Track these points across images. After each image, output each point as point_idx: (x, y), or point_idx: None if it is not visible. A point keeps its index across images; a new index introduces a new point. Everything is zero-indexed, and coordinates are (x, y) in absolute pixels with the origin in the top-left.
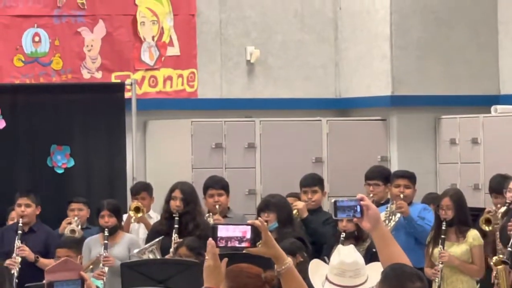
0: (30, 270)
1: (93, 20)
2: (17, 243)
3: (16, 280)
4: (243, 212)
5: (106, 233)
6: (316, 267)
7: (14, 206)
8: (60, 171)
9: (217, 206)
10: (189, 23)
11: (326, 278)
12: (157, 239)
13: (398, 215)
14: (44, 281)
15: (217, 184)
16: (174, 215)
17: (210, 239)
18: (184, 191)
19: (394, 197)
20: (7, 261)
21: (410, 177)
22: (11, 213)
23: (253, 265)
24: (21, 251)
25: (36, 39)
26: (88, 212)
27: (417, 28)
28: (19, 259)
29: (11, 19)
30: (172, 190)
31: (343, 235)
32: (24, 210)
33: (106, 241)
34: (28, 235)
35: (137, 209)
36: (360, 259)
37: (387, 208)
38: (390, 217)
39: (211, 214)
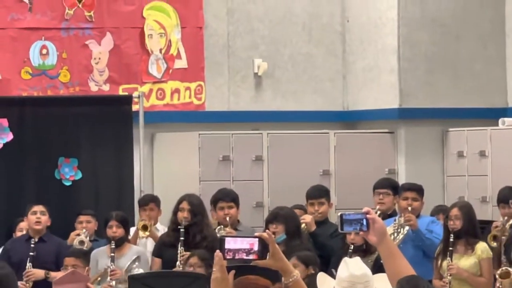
0: (42, 283)
1: (100, 32)
2: (28, 265)
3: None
4: (251, 225)
5: (113, 246)
6: (323, 281)
7: (22, 218)
8: (67, 183)
9: (227, 219)
10: (196, 35)
11: None
12: (134, 257)
13: (407, 228)
14: None
15: (227, 197)
16: (179, 227)
17: (218, 251)
18: (192, 203)
19: (402, 209)
20: (20, 284)
21: (418, 190)
22: (20, 224)
23: (261, 277)
24: (29, 275)
25: (44, 51)
26: (96, 225)
27: (425, 41)
28: (30, 285)
29: (18, 32)
30: (179, 201)
31: (351, 248)
32: (40, 217)
33: (113, 254)
34: (39, 245)
35: (144, 227)
36: (368, 271)
37: (395, 220)
38: (399, 230)
39: (222, 226)
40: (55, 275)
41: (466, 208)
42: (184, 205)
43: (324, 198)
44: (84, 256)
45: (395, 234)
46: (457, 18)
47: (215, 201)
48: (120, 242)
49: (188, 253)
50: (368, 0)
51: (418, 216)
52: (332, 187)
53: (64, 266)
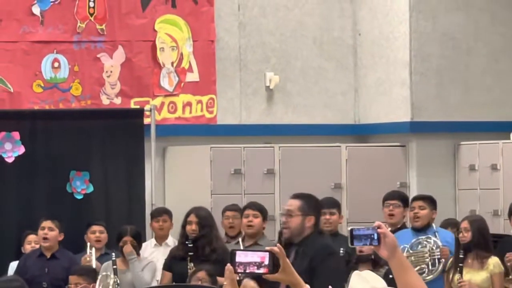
0: None
1: (112, 46)
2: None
3: None
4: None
5: (114, 265)
6: None
7: (29, 231)
8: (79, 196)
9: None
10: (208, 49)
11: None
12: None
13: (441, 266)
14: None
15: (254, 205)
16: (187, 242)
17: (229, 264)
18: (199, 216)
19: (411, 220)
20: None
21: (424, 199)
22: (28, 237)
23: None
24: None
25: (56, 64)
26: (106, 237)
27: (436, 54)
28: None
29: (30, 45)
30: (187, 215)
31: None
32: (47, 233)
33: (115, 266)
34: (50, 262)
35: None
36: (385, 284)
37: (423, 245)
38: (433, 266)
39: (244, 237)
40: None
41: (476, 221)
42: (192, 218)
43: (336, 209)
44: (88, 274)
45: (430, 266)
46: (468, 32)
47: (242, 210)
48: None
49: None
50: (380, 14)
51: (428, 225)
52: (344, 200)
53: (69, 285)
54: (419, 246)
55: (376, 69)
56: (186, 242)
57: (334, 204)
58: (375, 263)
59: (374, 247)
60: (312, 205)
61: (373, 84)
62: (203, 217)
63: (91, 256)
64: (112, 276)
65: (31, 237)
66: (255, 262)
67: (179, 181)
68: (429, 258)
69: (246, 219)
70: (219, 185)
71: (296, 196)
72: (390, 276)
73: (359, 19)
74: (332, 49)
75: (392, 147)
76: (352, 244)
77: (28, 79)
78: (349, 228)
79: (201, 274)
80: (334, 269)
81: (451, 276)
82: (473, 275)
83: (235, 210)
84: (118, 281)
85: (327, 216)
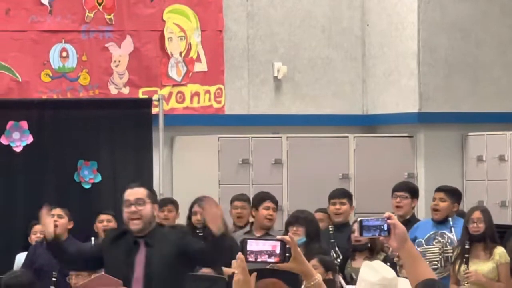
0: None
1: (120, 35)
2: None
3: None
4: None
5: None
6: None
7: (36, 221)
8: (87, 186)
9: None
10: (216, 39)
11: None
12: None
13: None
14: None
15: (272, 198)
16: (198, 231)
17: (240, 253)
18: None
19: (431, 211)
20: None
21: (446, 191)
22: (34, 227)
23: (281, 280)
24: None
25: (64, 54)
26: (115, 226)
27: (444, 45)
28: None
29: (39, 34)
30: (191, 206)
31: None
32: (56, 220)
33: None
34: None
35: None
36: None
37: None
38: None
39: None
40: None
41: (486, 212)
42: (196, 208)
43: (346, 199)
44: None
45: (442, 263)
46: (477, 23)
47: (260, 200)
48: None
49: None
50: (388, 4)
51: (446, 218)
52: (352, 191)
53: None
54: (434, 241)
55: (384, 59)
56: (197, 231)
57: (344, 194)
58: (371, 251)
59: (384, 238)
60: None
61: (381, 75)
62: None
63: None
64: None
65: (37, 227)
66: (266, 251)
67: (187, 171)
68: (442, 255)
69: (267, 211)
70: (227, 175)
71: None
72: (388, 264)
73: (367, 9)
74: (341, 39)
75: (400, 138)
76: (361, 234)
77: (36, 69)
78: (358, 219)
79: (205, 269)
80: None
81: (457, 267)
82: (479, 265)
83: (243, 200)
84: None
85: (337, 206)
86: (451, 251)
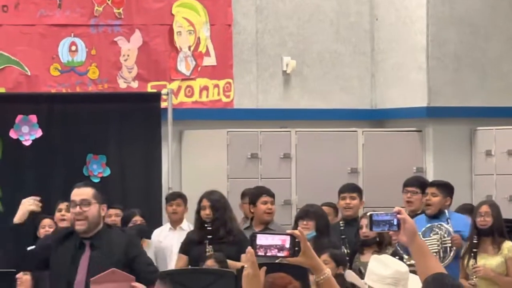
0: None
1: (129, 29)
2: None
3: None
4: (279, 222)
5: None
6: (357, 277)
7: (44, 215)
8: (96, 180)
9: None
10: (225, 33)
11: None
12: None
13: (452, 253)
14: None
15: (269, 192)
16: (206, 225)
17: (250, 247)
18: (211, 199)
19: (424, 206)
20: None
21: (438, 185)
22: (43, 221)
23: (290, 274)
24: None
25: (73, 48)
26: None
27: (453, 39)
28: None
29: (47, 28)
30: (200, 200)
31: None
32: (64, 214)
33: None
34: None
35: None
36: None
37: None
38: (445, 251)
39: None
40: None
41: (495, 206)
42: (205, 202)
43: (356, 194)
44: None
45: (441, 254)
46: (486, 17)
47: (257, 196)
48: (145, 232)
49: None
50: None
51: (440, 211)
52: (360, 185)
53: None
54: (431, 233)
55: (393, 54)
56: (205, 226)
57: (354, 189)
58: (380, 245)
59: (394, 232)
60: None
61: (390, 69)
62: (215, 200)
63: None
64: None
65: (46, 221)
66: (276, 245)
67: (195, 165)
68: (440, 246)
69: (265, 205)
70: (236, 169)
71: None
72: (397, 257)
73: (376, 3)
74: (349, 33)
75: (408, 132)
76: (371, 229)
77: (45, 63)
78: (368, 214)
79: (210, 262)
80: None
81: (465, 261)
82: (487, 260)
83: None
84: None
85: (347, 201)
86: (450, 241)
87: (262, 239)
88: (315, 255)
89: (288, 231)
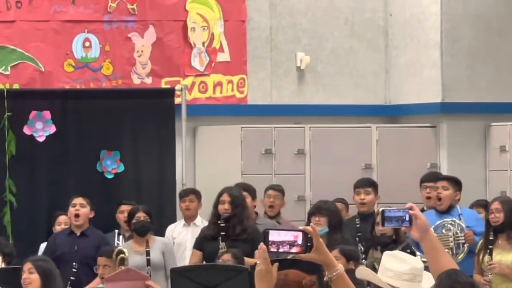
0: (87, 271)
1: (143, 25)
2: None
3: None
4: (293, 218)
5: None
6: (365, 274)
7: (60, 211)
8: (110, 176)
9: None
10: (239, 29)
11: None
12: None
13: (466, 249)
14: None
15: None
16: (219, 221)
17: (262, 243)
18: (232, 195)
19: (434, 200)
20: None
21: (448, 179)
22: (59, 218)
23: (303, 270)
24: None
25: (87, 44)
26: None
27: (467, 35)
28: None
29: (61, 25)
30: (220, 194)
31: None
32: (78, 209)
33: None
34: (80, 240)
35: (121, 260)
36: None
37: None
38: (458, 247)
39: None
40: None
41: (507, 202)
42: (225, 197)
43: (371, 188)
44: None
45: (454, 250)
46: (500, 13)
47: (255, 192)
48: (147, 230)
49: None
50: None
51: (451, 206)
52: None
53: (97, 265)
54: (443, 229)
55: (407, 50)
56: (219, 222)
57: (369, 184)
58: (396, 241)
59: (406, 228)
60: None
61: (404, 65)
62: (236, 196)
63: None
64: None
65: (62, 218)
66: (288, 241)
67: (209, 161)
68: (453, 242)
69: (269, 199)
70: (250, 165)
71: None
72: (408, 251)
73: (390, 0)
74: (363, 30)
75: (422, 128)
76: (383, 225)
77: (59, 59)
78: (380, 209)
79: (227, 256)
80: None
81: (481, 257)
82: (503, 256)
83: (278, 190)
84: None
85: (362, 196)
86: (463, 238)
87: (275, 235)
88: (327, 251)
89: (300, 227)
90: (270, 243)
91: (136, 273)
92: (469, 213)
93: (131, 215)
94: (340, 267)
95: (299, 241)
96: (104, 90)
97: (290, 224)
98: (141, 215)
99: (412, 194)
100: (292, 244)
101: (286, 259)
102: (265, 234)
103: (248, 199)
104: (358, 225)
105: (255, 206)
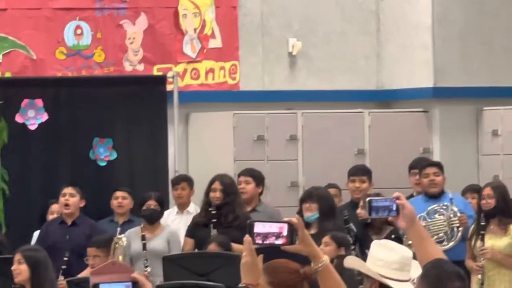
0: (79, 260)
1: (135, 12)
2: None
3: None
4: (286, 204)
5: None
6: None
7: (54, 200)
8: (102, 163)
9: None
10: (231, 15)
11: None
12: None
13: (460, 234)
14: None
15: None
16: (210, 209)
17: (247, 235)
18: (224, 183)
19: (426, 186)
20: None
21: (438, 165)
22: (52, 207)
23: (292, 260)
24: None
25: (78, 31)
26: (131, 202)
27: (459, 19)
28: None
29: (53, 12)
30: (211, 182)
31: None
32: (68, 199)
33: (143, 233)
34: (72, 229)
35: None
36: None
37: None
38: (452, 233)
39: None
40: None
41: (499, 188)
42: (216, 185)
43: (366, 177)
44: (107, 245)
45: (448, 234)
46: None
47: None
48: (156, 217)
49: None
50: None
51: (441, 192)
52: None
53: (87, 256)
54: (436, 214)
55: (398, 34)
56: (210, 209)
57: (364, 172)
58: (379, 228)
59: (392, 218)
60: None
61: (395, 49)
62: (227, 184)
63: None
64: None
65: (55, 207)
66: (274, 233)
67: (202, 147)
68: (448, 226)
69: (239, 186)
70: (242, 152)
71: None
72: (393, 236)
73: None
74: (355, 14)
75: (415, 113)
76: (370, 215)
77: (51, 46)
78: (367, 199)
79: (212, 246)
80: None
81: (473, 243)
82: (495, 241)
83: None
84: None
85: (357, 184)
86: (457, 221)
87: (260, 227)
88: (313, 242)
89: (286, 219)
90: (255, 235)
91: (122, 266)
92: (458, 198)
93: (142, 201)
94: (325, 258)
95: (285, 233)
96: (96, 78)
97: (268, 209)
98: (151, 203)
99: (405, 179)
100: (277, 235)
101: (273, 249)
102: (250, 226)
103: (252, 185)
104: (346, 217)
105: (260, 193)
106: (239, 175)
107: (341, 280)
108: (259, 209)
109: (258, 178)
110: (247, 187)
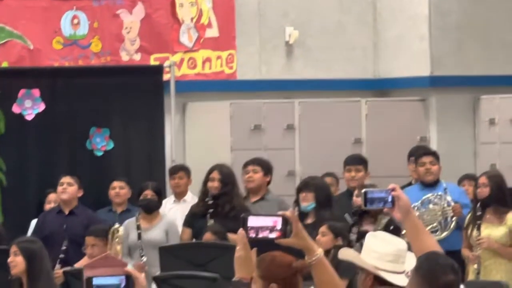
0: (76, 250)
1: (132, 2)
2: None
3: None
4: (283, 193)
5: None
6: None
7: (51, 190)
8: (99, 153)
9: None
10: (227, 4)
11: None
12: None
13: (454, 224)
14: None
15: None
16: (207, 199)
17: (241, 229)
18: (222, 172)
19: (422, 175)
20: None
21: (433, 154)
22: (49, 196)
23: (287, 252)
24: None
25: (75, 21)
26: (129, 192)
27: (456, 8)
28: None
29: (49, 2)
30: (210, 172)
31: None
32: (66, 188)
33: (138, 223)
34: (69, 218)
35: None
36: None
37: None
38: (446, 223)
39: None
40: None
41: (495, 177)
42: (215, 174)
43: (362, 166)
44: (105, 235)
45: (442, 224)
46: None
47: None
48: (154, 207)
49: None
50: None
51: (436, 181)
52: (364, 155)
53: (85, 245)
54: (430, 204)
55: (395, 23)
56: (206, 199)
57: (360, 161)
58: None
59: (388, 209)
60: None
61: (392, 39)
62: (226, 174)
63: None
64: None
65: (52, 196)
66: (267, 227)
67: (199, 137)
68: (442, 216)
69: (247, 174)
70: (239, 141)
71: None
72: (391, 227)
73: None
74: (352, 3)
75: (412, 102)
76: (365, 206)
77: (47, 36)
78: (363, 190)
79: (208, 235)
80: None
81: (469, 232)
82: (492, 230)
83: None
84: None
85: (353, 173)
86: (451, 211)
87: (254, 221)
88: (307, 236)
89: (280, 212)
90: (249, 228)
91: (115, 260)
92: (452, 187)
93: (140, 191)
94: (319, 251)
95: (279, 226)
96: (93, 68)
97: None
98: (148, 193)
99: (402, 168)
100: (271, 229)
101: (267, 243)
102: (244, 219)
103: (260, 174)
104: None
105: (268, 182)
106: (247, 164)
107: (335, 273)
108: (268, 197)
109: (266, 167)
110: (255, 176)
